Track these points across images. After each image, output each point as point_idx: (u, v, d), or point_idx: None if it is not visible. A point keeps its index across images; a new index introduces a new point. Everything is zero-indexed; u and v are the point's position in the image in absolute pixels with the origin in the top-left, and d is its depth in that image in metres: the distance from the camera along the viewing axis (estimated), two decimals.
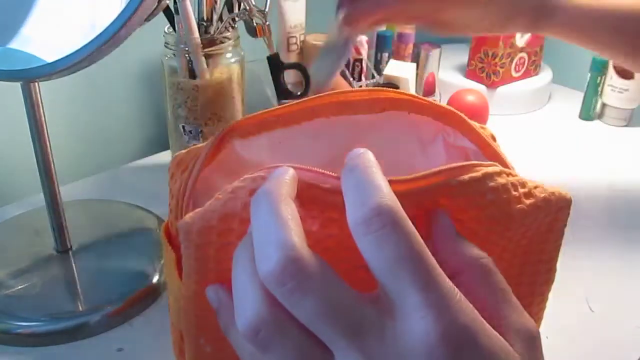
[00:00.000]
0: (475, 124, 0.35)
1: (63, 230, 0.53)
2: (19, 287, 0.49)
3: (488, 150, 0.34)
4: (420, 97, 0.35)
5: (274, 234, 0.22)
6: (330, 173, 0.26)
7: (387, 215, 0.22)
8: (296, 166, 0.26)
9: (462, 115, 0.35)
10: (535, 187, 0.29)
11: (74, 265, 0.52)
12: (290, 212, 0.23)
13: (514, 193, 0.28)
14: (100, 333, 0.47)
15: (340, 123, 0.35)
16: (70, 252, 0.53)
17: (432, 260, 0.22)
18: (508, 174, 0.29)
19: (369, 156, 0.25)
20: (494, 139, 0.36)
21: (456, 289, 0.22)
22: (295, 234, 0.22)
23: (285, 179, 0.25)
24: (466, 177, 0.27)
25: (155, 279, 0.51)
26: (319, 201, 0.26)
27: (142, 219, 0.60)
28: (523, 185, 0.29)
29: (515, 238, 0.30)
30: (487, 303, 0.24)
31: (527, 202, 0.29)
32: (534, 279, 0.32)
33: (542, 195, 0.29)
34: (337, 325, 0.21)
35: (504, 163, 0.33)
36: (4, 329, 0.46)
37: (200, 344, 0.29)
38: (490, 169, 0.28)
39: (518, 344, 0.23)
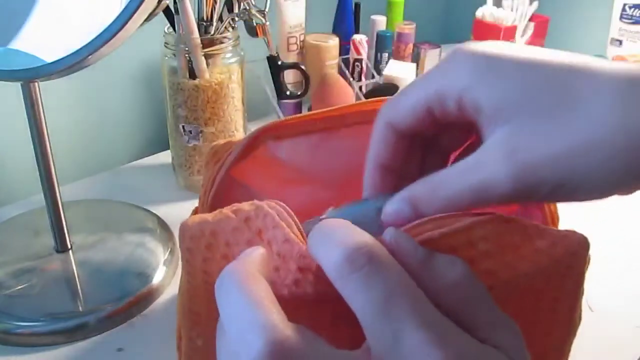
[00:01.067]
0: None
1: (63, 230, 0.53)
2: (19, 287, 0.49)
3: None
4: None
5: (249, 318, 0.20)
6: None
7: (370, 251, 0.20)
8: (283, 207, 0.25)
9: None
10: (545, 231, 0.27)
11: (73, 265, 0.52)
12: (263, 289, 0.21)
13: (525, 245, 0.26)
14: (100, 333, 0.47)
15: (366, 131, 0.35)
16: (70, 252, 0.53)
17: (422, 292, 0.21)
18: (518, 224, 0.27)
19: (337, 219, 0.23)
20: None
21: (446, 318, 0.21)
22: (274, 312, 0.20)
23: (254, 256, 0.23)
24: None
25: (155, 279, 0.51)
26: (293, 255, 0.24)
27: (142, 219, 0.60)
28: (534, 229, 0.27)
29: (527, 287, 0.28)
30: (473, 319, 0.22)
31: (536, 252, 0.27)
32: (549, 330, 0.30)
33: (552, 240, 0.27)
34: None
35: None
36: (4, 329, 0.46)
37: (192, 336, 0.30)
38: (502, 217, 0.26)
39: (508, 345, 0.22)
